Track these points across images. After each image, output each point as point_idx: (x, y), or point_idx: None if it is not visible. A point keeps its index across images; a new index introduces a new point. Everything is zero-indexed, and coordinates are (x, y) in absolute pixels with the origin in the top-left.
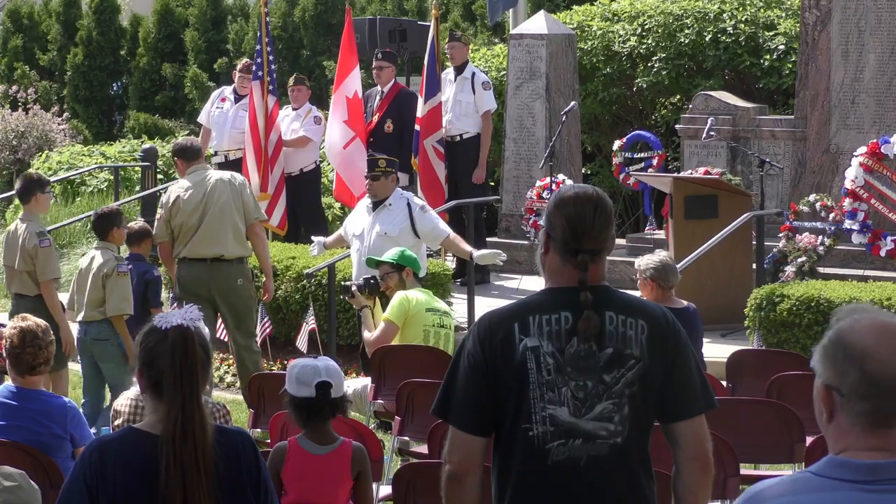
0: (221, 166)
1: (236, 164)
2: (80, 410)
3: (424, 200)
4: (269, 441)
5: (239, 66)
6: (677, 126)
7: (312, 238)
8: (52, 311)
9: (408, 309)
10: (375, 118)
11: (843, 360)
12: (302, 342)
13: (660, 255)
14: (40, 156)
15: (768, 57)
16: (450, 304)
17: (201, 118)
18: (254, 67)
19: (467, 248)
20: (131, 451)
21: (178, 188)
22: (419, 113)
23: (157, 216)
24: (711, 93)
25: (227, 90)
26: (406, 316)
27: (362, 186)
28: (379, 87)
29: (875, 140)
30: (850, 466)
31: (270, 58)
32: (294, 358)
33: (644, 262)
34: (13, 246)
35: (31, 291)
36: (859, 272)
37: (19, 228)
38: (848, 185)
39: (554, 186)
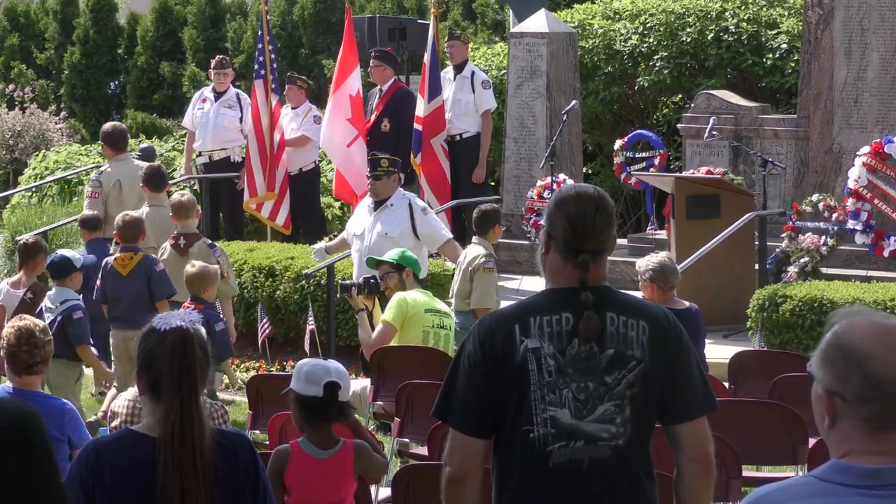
0: (207, 167)
1: (221, 165)
2: (78, 412)
3: (430, 200)
4: (267, 443)
5: (213, 64)
6: (679, 125)
7: (313, 247)
8: None
9: (405, 310)
10: (373, 117)
11: (843, 364)
12: (307, 345)
13: (659, 256)
14: (37, 155)
15: (771, 56)
16: (450, 304)
17: (185, 122)
18: (256, 66)
19: None
20: (128, 453)
21: (115, 173)
22: (422, 112)
23: (91, 194)
24: (713, 92)
25: (207, 90)
26: (404, 317)
27: (364, 185)
28: (379, 86)
29: (878, 139)
30: (852, 471)
31: (272, 56)
32: (293, 359)
33: (644, 263)
34: (164, 227)
35: None
36: (862, 272)
37: (160, 212)
38: (851, 184)
39: (555, 186)
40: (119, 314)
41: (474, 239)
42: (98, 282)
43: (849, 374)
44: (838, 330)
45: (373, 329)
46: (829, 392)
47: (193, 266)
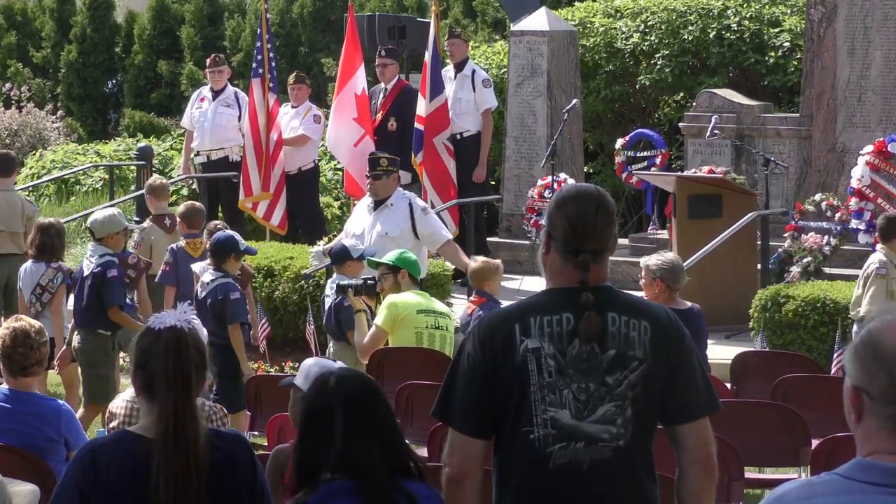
0: (205, 166)
1: (219, 164)
2: (76, 413)
3: (432, 200)
4: (266, 444)
5: (208, 62)
6: (681, 124)
7: (310, 250)
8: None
9: (396, 313)
10: (379, 116)
11: (871, 362)
12: (312, 347)
13: (669, 255)
14: (34, 154)
15: (773, 54)
16: (449, 304)
17: (184, 122)
18: (254, 65)
19: (465, 259)
20: (124, 454)
21: None
22: (423, 111)
23: None
24: (715, 90)
25: (205, 90)
26: (394, 320)
27: None
28: (382, 85)
29: (882, 138)
30: (877, 470)
31: (271, 55)
32: (292, 360)
33: (653, 260)
34: (10, 211)
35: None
36: None
37: (7, 196)
38: (854, 184)
39: (555, 185)
40: (189, 291)
41: (878, 246)
42: (165, 266)
43: (876, 372)
44: (872, 327)
45: None
46: (856, 388)
47: (476, 261)
